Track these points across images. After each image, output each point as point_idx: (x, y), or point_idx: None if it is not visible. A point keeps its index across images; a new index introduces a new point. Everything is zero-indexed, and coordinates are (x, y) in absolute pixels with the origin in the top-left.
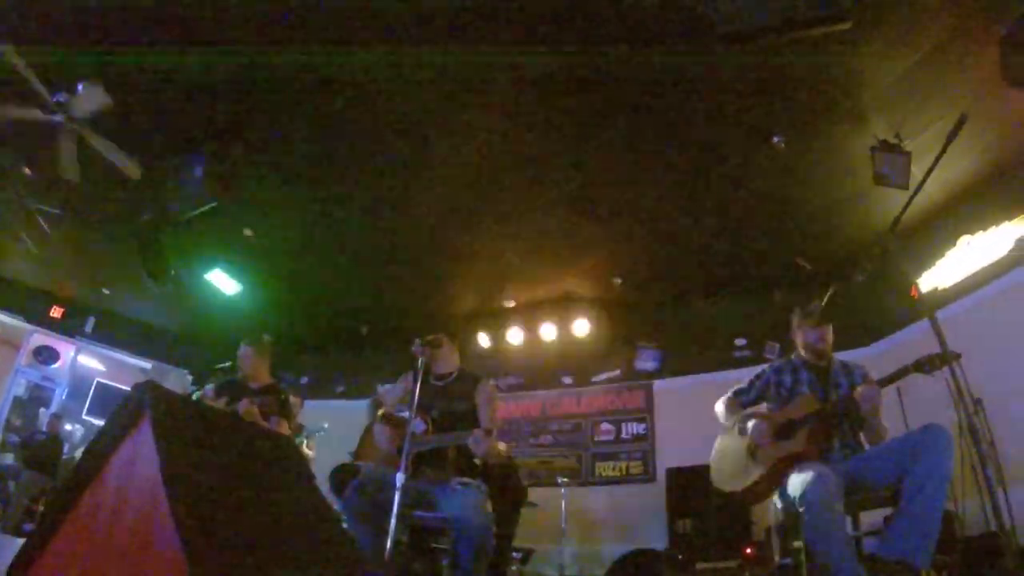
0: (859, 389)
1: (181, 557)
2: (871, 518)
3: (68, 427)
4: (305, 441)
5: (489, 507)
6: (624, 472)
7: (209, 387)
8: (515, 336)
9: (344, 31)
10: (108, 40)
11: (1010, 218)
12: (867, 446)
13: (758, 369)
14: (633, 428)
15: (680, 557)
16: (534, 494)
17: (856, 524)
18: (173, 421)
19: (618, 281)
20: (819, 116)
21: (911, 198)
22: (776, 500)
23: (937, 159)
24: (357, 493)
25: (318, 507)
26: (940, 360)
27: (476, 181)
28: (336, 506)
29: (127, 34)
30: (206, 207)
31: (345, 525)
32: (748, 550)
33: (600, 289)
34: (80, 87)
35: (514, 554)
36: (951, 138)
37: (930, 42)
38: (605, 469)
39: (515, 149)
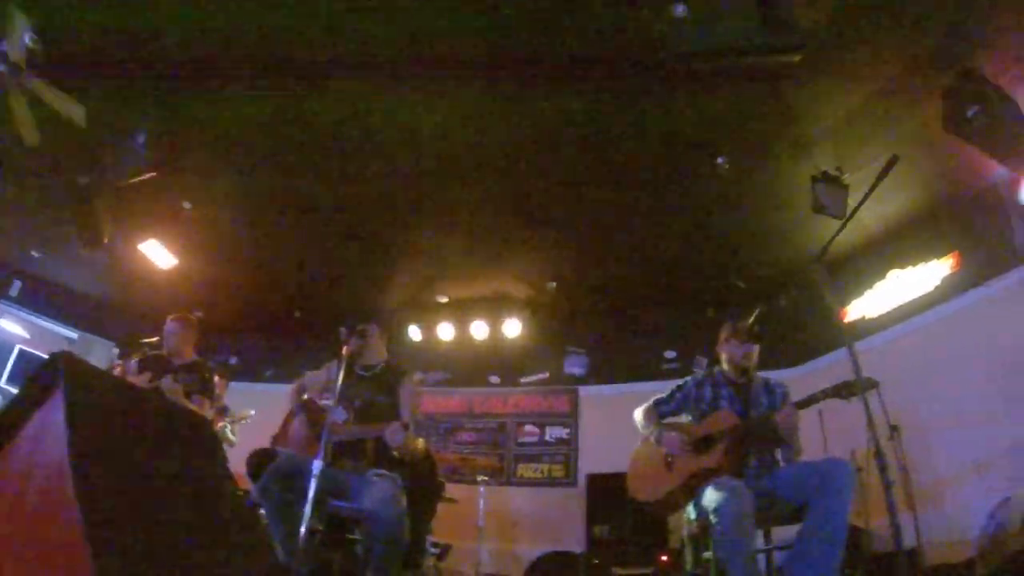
0: (780, 412)
1: (84, 546)
2: (785, 532)
3: None
4: (228, 427)
5: (404, 500)
6: (546, 475)
7: (133, 361)
8: (446, 332)
9: (296, 17)
10: None
11: (938, 257)
12: (782, 463)
13: (681, 381)
14: (557, 432)
15: (597, 561)
16: (454, 490)
17: (768, 538)
18: (87, 396)
19: (552, 285)
20: (764, 143)
21: (839, 231)
22: (690, 511)
23: (865, 197)
24: (273, 479)
25: (229, 494)
26: (856, 387)
27: (418, 175)
28: (253, 491)
29: None
30: (146, 176)
31: (261, 511)
32: (664, 558)
33: (534, 292)
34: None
35: (431, 549)
36: (880, 178)
37: (876, 85)
38: (527, 470)
39: (458, 147)
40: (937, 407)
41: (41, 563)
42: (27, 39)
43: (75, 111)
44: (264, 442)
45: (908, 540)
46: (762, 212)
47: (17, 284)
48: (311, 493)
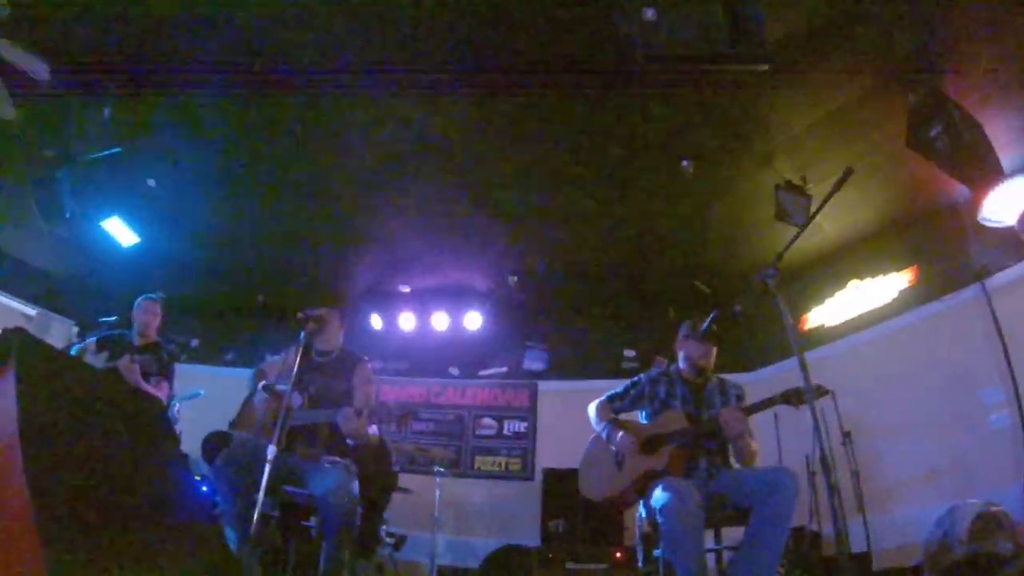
0: (723, 413)
1: (33, 527)
2: (735, 532)
3: None
4: (177, 406)
5: (356, 488)
6: (503, 468)
7: (91, 339)
8: (407, 321)
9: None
10: None
11: (898, 269)
12: (736, 464)
13: (635, 377)
14: (515, 426)
15: (551, 556)
16: (410, 481)
17: (718, 538)
18: (39, 374)
19: (514, 279)
20: (730, 148)
21: (795, 237)
22: (641, 510)
23: (821, 205)
24: (227, 462)
25: (181, 478)
26: (806, 394)
27: (384, 163)
28: (207, 473)
29: None
30: (110, 152)
31: (216, 496)
32: (618, 554)
33: (495, 285)
34: None
35: (387, 538)
36: (836, 188)
37: (841, 98)
38: (484, 463)
39: (426, 138)
40: (890, 416)
41: None
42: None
43: (39, 68)
44: (220, 425)
45: (859, 544)
46: (726, 217)
47: None
48: (264, 478)
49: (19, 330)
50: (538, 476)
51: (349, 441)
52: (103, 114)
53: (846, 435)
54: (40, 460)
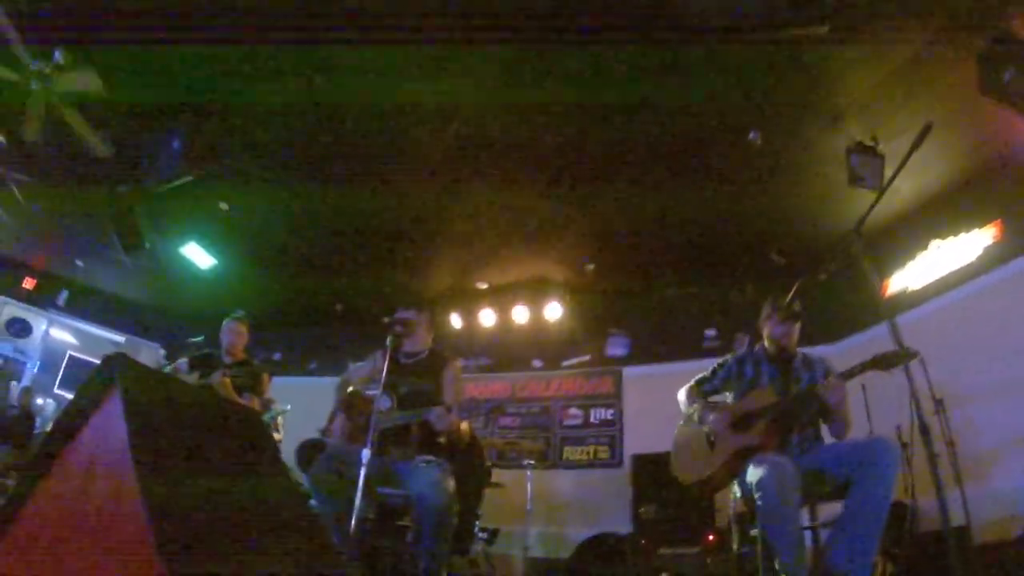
0: (826, 382)
1: (148, 531)
2: (830, 508)
3: (40, 401)
4: (274, 419)
5: (452, 485)
6: (591, 456)
7: (183, 361)
8: (487, 318)
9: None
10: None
11: (980, 225)
12: (828, 440)
13: (722, 359)
14: (601, 413)
15: (643, 542)
16: (501, 475)
17: (813, 515)
18: (143, 395)
19: (590, 267)
20: (796, 115)
21: (875, 201)
22: (735, 489)
23: (900, 166)
24: (323, 469)
25: (285, 486)
26: (897, 358)
27: (453, 162)
28: (302, 481)
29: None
30: (183, 180)
31: (312, 502)
32: (710, 537)
33: (572, 274)
34: (57, 55)
35: (479, 533)
36: (915, 146)
37: (908, 51)
38: (572, 453)
39: (492, 132)
40: (983, 381)
41: (107, 558)
42: (57, 55)
43: (100, 147)
44: (310, 433)
45: (956, 517)
46: (797, 186)
47: (64, 293)
48: (360, 482)
49: (121, 355)
50: (626, 463)
51: (441, 440)
52: (172, 144)
53: (938, 403)
54: (152, 471)
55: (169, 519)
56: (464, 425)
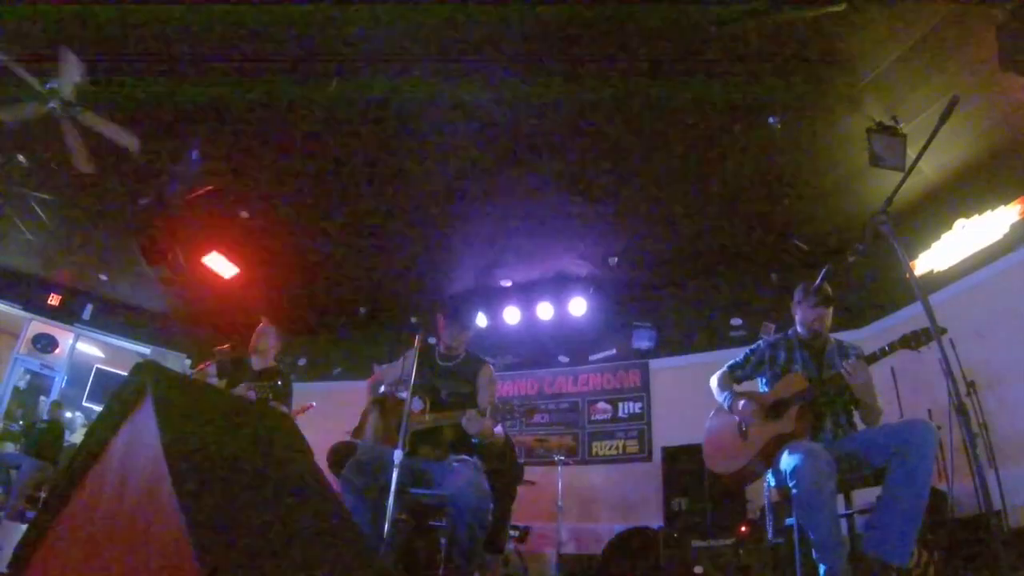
0: (847, 364)
1: (185, 537)
2: (866, 495)
3: (68, 414)
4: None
5: (485, 484)
6: (621, 451)
7: (212, 366)
8: (512, 315)
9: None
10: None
11: (1005, 202)
12: (861, 427)
13: (754, 344)
14: (630, 407)
15: (676, 535)
16: (531, 472)
17: (849, 502)
18: (174, 400)
19: (614, 260)
20: (815, 97)
21: (903, 180)
22: (769, 478)
23: (928, 141)
24: (355, 470)
25: (319, 486)
26: (926, 335)
27: (474, 160)
28: (334, 484)
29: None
30: (203, 191)
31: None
32: (743, 528)
33: (596, 269)
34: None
35: (512, 531)
36: (943, 120)
37: (926, 26)
38: (602, 448)
39: (511, 128)
40: (1012, 361)
41: (145, 562)
42: (78, 76)
43: (128, 140)
44: (339, 436)
45: (992, 502)
46: (819, 170)
47: (89, 307)
48: (394, 483)
49: (150, 362)
50: (656, 455)
51: (474, 440)
52: (191, 156)
53: (970, 385)
54: (187, 476)
55: (207, 526)
56: (498, 429)
